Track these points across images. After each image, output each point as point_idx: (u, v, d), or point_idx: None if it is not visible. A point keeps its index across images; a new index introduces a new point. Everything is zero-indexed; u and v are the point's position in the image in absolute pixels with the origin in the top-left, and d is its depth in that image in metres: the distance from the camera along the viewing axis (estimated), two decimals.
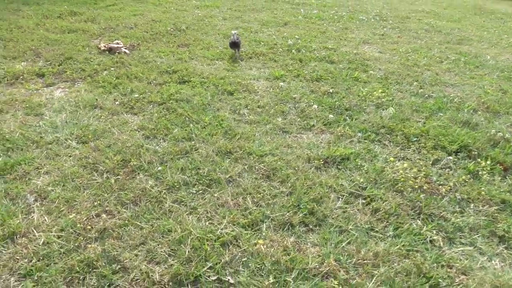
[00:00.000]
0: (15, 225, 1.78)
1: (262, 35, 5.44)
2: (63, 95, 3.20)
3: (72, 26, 5.12)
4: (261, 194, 2.11)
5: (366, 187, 2.22)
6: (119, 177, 2.17)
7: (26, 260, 1.64)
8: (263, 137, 2.70)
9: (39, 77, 3.50)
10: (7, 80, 3.36)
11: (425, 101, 3.48)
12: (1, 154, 2.31)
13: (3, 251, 1.68)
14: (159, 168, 2.26)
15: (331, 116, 3.05)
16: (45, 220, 1.85)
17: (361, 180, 2.27)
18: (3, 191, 2.00)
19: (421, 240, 1.90)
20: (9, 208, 1.89)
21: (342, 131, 2.83)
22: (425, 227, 1.97)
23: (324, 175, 2.31)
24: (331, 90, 3.57)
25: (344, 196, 2.14)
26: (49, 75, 3.53)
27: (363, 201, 2.12)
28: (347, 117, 3.07)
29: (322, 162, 2.42)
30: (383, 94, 3.51)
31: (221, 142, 2.58)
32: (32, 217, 1.86)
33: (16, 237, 1.74)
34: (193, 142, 2.57)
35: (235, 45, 4.35)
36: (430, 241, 1.90)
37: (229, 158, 2.42)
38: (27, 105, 2.93)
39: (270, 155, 2.47)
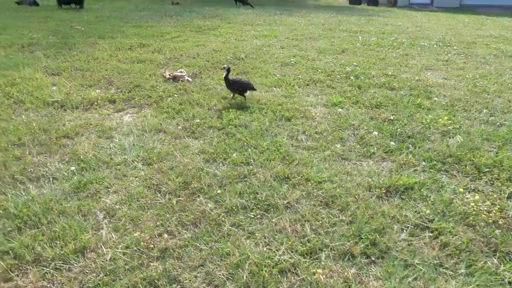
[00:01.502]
0: (86, 240, 1.89)
1: (320, 62, 5.47)
2: (131, 119, 3.42)
3: (141, 57, 5.51)
4: (320, 222, 2.06)
5: (433, 219, 2.08)
6: (180, 198, 2.24)
7: (94, 274, 1.73)
8: (321, 163, 2.66)
9: (111, 103, 3.78)
10: (83, 106, 3.67)
11: (496, 129, 3.24)
12: (76, 173, 2.50)
13: (75, 264, 1.78)
14: (218, 191, 2.30)
15: (392, 143, 2.94)
16: (112, 236, 1.94)
17: (427, 211, 2.13)
18: (76, 207, 2.15)
19: (498, 281, 1.73)
20: (81, 223, 2.02)
21: (405, 159, 2.71)
22: (502, 266, 1.79)
23: (387, 205, 2.21)
24: (392, 117, 3.46)
25: (409, 228, 2.02)
26: (120, 102, 3.80)
27: (430, 234, 1.98)
28: (410, 145, 2.94)
29: (384, 191, 2.32)
30: (449, 121, 3.33)
31: (279, 167, 2.58)
32: (100, 233, 1.97)
33: (86, 252, 1.85)
34: (251, 166, 2.60)
35: (235, 85, 3.71)
36: (509, 282, 1.72)
37: (287, 184, 2.41)
38: (100, 129, 3.17)
39: (329, 182, 2.42)
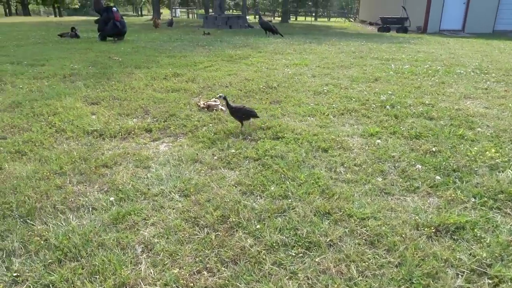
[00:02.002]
0: (125, 275, 1.86)
1: (353, 91, 5.41)
2: (167, 149, 3.44)
3: (175, 86, 5.64)
4: (366, 263, 1.94)
5: (491, 263, 1.92)
6: (218, 233, 2.19)
7: None
8: (363, 198, 2.56)
9: (147, 132, 3.84)
10: (121, 135, 3.74)
11: None
12: (115, 204, 2.51)
13: None
14: (257, 226, 2.23)
15: (437, 177, 2.80)
16: (151, 272, 1.90)
17: (484, 254, 1.98)
18: (115, 240, 2.13)
19: None
20: (120, 257, 1.99)
21: (453, 195, 2.56)
22: None
23: (437, 246, 2.07)
24: (433, 149, 3.32)
25: (465, 273, 1.87)
26: (156, 131, 3.86)
27: (490, 281, 1.83)
28: (457, 180, 2.79)
29: (433, 230, 2.18)
30: (497, 154, 3.15)
31: (319, 201, 2.49)
32: (139, 268, 1.93)
33: None
34: (289, 200, 2.52)
35: (238, 112, 3.71)
36: None
37: (328, 220, 2.31)
38: (137, 158, 3.20)
39: (373, 219, 2.30)
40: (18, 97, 4.94)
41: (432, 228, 2.20)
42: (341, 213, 2.37)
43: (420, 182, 2.76)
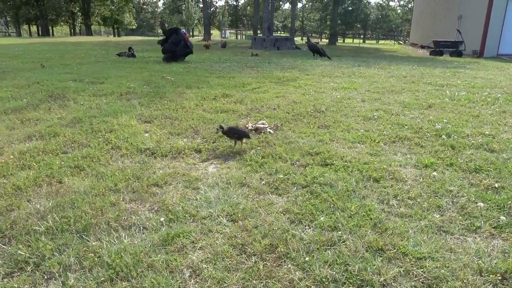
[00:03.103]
0: None
1: (405, 118, 5.22)
2: (215, 171, 3.48)
3: (224, 107, 5.75)
4: None
5: None
6: (266, 263, 2.15)
7: None
8: (419, 235, 2.41)
9: (196, 153, 3.92)
10: (172, 154, 3.84)
11: None
12: (165, 224, 2.55)
13: None
14: (306, 258, 2.17)
15: (502, 217, 2.59)
16: None
17: None
18: (164, 262, 2.16)
19: None
20: (169, 281, 2.00)
21: None
22: None
23: None
24: (496, 185, 3.09)
25: None
26: (205, 151, 3.93)
27: None
28: None
29: (499, 278, 2.00)
30: None
31: (371, 236, 2.38)
32: None
33: None
34: (339, 232, 2.43)
35: (230, 132, 3.93)
36: None
37: (381, 257, 2.20)
38: (186, 179, 3.26)
39: (430, 259, 2.16)
40: (79, 113, 5.27)
41: (498, 275, 2.02)
42: (395, 250, 2.24)
43: (482, 222, 2.57)
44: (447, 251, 2.25)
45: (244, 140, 4.00)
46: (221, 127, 3.93)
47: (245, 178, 3.26)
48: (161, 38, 12.48)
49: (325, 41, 39.30)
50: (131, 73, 9.18)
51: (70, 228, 2.49)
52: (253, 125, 4.69)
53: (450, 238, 2.40)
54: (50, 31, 48.54)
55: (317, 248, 2.27)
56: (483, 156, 3.75)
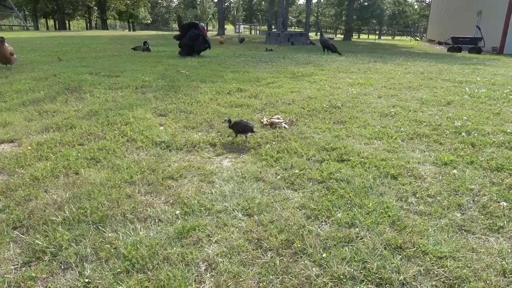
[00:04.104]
0: None
1: (423, 114, 5.12)
2: (230, 165, 3.46)
3: (239, 101, 5.72)
4: None
5: None
6: (283, 258, 2.12)
7: None
8: (439, 234, 2.35)
9: (211, 146, 3.91)
10: (187, 148, 3.84)
11: None
12: (180, 217, 2.54)
13: None
14: (323, 255, 2.13)
15: None
16: None
17: None
18: (180, 255, 2.14)
19: None
20: (184, 274, 1.99)
21: None
22: None
23: None
24: None
25: None
26: (220, 145, 3.91)
27: None
28: None
29: None
30: None
31: (389, 233, 2.33)
32: (203, 287, 1.92)
33: None
34: (357, 229, 2.39)
35: (235, 126, 3.94)
36: None
37: (400, 255, 2.14)
38: (201, 172, 3.25)
39: (451, 259, 2.10)
40: (95, 106, 5.31)
41: None
42: (415, 248, 2.19)
43: (505, 221, 2.49)
44: (468, 250, 2.19)
45: (249, 134, 3.98)
46: (229, 120, 3.94)
47: (260, 172, 3.24)
48: (176, 33, 12.39)
49: (340, 36, 38.86)
50: (146, 67, 9.22)
51: (86, 219, 2.50)
52: (268, 120, 4.65)
53: (472, 238, 2.34)
54: (67, 25, 49.26)
55: (334, 245, 2.23)
56: (505, 155, 3.64)
